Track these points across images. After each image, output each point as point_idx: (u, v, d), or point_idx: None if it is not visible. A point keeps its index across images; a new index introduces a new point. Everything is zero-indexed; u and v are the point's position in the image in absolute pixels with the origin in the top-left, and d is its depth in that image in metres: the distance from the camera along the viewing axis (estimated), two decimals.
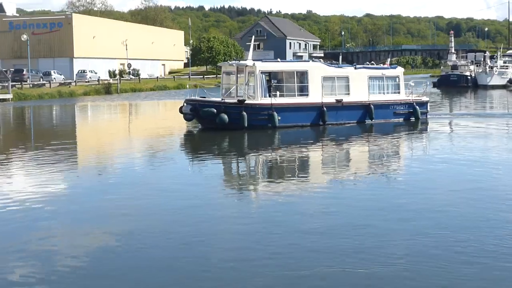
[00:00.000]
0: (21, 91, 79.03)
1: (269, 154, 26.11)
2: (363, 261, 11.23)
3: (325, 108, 35.38)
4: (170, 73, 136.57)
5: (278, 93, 34.44)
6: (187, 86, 40.26)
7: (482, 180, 18.93)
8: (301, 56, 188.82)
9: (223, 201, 16.93)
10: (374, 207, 15.33)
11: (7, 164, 24.45)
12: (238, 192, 18.08)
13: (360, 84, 37.39)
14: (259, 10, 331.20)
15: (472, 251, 11.74)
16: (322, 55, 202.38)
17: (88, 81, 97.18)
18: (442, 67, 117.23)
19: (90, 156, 27.32)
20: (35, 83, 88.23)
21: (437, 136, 31.36)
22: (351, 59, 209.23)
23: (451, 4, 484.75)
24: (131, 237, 13.15)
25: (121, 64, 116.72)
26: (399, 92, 39.21)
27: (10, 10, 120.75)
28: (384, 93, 38.47)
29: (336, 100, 36.07)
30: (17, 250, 12.33)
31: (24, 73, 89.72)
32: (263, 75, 34.73)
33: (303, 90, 35.65)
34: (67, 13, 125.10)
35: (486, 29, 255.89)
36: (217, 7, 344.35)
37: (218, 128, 33.13)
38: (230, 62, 38.39)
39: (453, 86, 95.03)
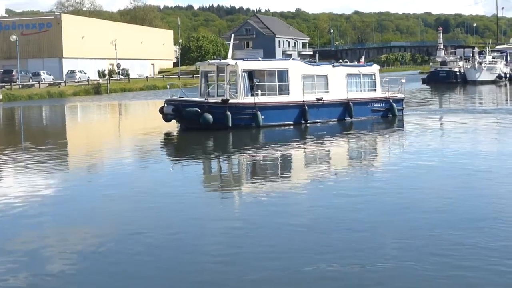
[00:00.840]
0: (11, 92, 78.88)
1: (260, 154, 25.95)
2: (353, 258, 11.32)
3: (306, 107, 35.31)
4: (159, 72, 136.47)
5: (259, 92, 34.29)
6: (167, 86, 39.60)
7: (463, 173, 19.11)
8: (291, 55, 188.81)
9: (211, 201, 17.04)
10: (357, 203, 15.50)
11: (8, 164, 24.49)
12: (230, 192, 18.14)
13: (339, 82, 37.41)
14: (248, 9, 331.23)
15: (458, 247, 11.88)
16: (311, 53, 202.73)
17: (78, 82, 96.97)
18: (431, 64, 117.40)
19: (79, 156, 27.23)
20: (25, 83, 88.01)
21: (416, 133, 31.40)
22: (340, 57, 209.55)
23: (439, 0, 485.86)
24: (122, 238, 13.22)
25: (110, 64, 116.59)
26: (375, 90, 39.43)
27: None
28: (361, 91, 38.60)
29: (316, 98, 35.97)
30: (5, 251, 12.39)
31: (13, 73, 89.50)
32: (245, 74, 34.38)
33: (284, 89, 35.40)
34: (56, 13, 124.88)
35: (475, 24, 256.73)
36: (206, 6, 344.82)
37: (201, 128, 32.57)
38: (210, 61, 37.91)
39: (442, 82, 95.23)
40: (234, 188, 18.62)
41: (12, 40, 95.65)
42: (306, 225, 13.46)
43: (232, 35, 43.41)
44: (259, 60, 38.07)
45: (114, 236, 13.19)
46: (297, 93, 35.48)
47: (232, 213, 15.17)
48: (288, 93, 35.37)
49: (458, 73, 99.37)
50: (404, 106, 40.63)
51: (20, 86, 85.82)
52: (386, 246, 11.79)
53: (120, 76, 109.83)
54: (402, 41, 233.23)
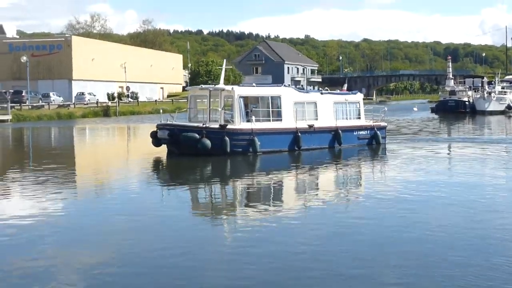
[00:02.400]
0: (20, 113, 79.26)
1: (263, 181, 25.90)
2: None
3: (299, 133, 35.13)
4: (168, 96, 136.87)
5: (253, 118, 33.92)
6: (161, 111, 38.98)
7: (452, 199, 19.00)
8: (299, 81, 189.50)
9: (213, 226, 17.06)
10: (352, 231, 15.42)
11: (4, 185, 24.47)
12: (229, 218, 18.02)
13: (327, 109, 37.45)
14: (257, 35, 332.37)
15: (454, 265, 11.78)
16: (320, 80, 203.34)
17: (87, 104, 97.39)
18: (440, 93, 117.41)
19: (85, 179, 27.19)
20: (34, 104, 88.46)
21: (402, 161, 31.29)
22: (349, 84, 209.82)
23: (448, 29, 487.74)
24: (125, 258, 13.20)
25: (119, 86, 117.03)
26: (360, 118, 39.57)
27: (10, 32, 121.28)
28: (347, 119, 38.67)
29: (308, 125, 35.83)
30: (13, 270, 12.38)
31: (23, 94, 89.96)
32: (241, 100, 34.01)
33: (277, 115, 35.24)
34: (66, 35, 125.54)
35: (484, 54, 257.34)
36: (215, 31, 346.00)
37: (198, 153, 31.82)
38: (203, 86, 37.49)
39: (451, 111, 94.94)
40: (233, 214, 18.43)
41: (22, 61, 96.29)
42: (296, 253, 13.40)
43: (225, 60, 43.38)
44: (254, 86, 37.93)
45: (113, 259, 13.12)
46: (289, 120, 35.29)
47: (227, 239, 15.00)
48: (281, 120, 35.18)
49: (467, 103, 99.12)
50: (386, 134, 40.79)
51: (30, 107, 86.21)
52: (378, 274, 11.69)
53: (129, 99, 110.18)
54: (411, 70, 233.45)
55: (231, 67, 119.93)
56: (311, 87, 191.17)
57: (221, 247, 14.08)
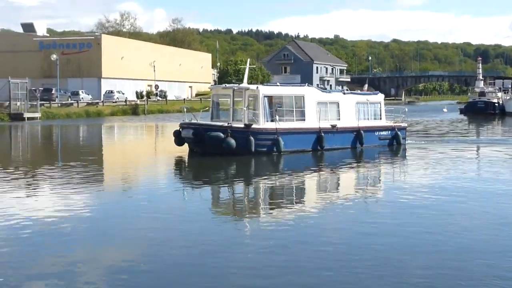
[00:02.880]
0: (50, 110, 79.90)
1: (290, 181, 26.02)
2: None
3: (322, 133, 35.15)
4: (197, 95, 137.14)
5: (277, 117, 33.85)
6: (184, 109, 38.54)
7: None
8: (328, 81, 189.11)
9: (235, 225, 17.11)
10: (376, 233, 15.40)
11: (33, 181, 24.73)
12: (254, 218, 18.04)
13: (349, 110, 37.54)
14: (286, 34, 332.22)
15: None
16: (349, 79, 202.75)
17: (116, 102, 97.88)
18: (469, 94, 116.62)
19: (112, 176, 27.53)
20: (63, 102, 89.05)
21: (425, 162, 31.28)
22: (378, 84, 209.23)
23: (478, 30, 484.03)
24: (149, 257, 13.30)
25: (148, 85, 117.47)
26: (381, 118, 39.75)
27: (41, 30, 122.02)
28: (369, 119, 38.78)
29: (331, 125, 35.89)
30: (38, 266, 12.50)
31: (52, 92, 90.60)
32: (266, 99, 33.99)
33: (300, 115, 35.27)
34: (96, 34, 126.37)
35: None
36: (244, 31, 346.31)
37: (222, 153, 31.74)
38: (227, 85, 37.33)
39: (480, 113, 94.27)
40: (259, 214, 18.42)
41: (52, 59, 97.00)
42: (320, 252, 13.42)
43: (248, 60, 43.45)
44: (278, 86, 37.90)
45: (136, 257, 13.24)
46: (312, 120, 35.35)
47: (256, 238, 15.01)
48: (304, 119, 35.21)
49: (496, 104, 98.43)
50: (406, 135, 40.95)
51: (59, 104, 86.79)
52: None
53: (158, 98, 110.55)
54: (440, 71, 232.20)
55: (254, 66, 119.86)
56: (340, 87, 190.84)
57: (243, 247, 14.09)
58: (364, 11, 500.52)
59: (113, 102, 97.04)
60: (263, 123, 33.34)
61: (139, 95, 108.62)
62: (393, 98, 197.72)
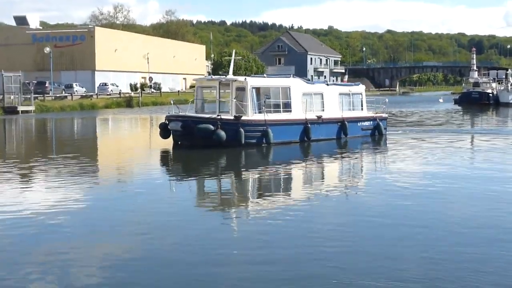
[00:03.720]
0: (43, 103, 79.66)
1: (285, 173, 25.99)
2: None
3: (309, 124, 35.15)
4: (191, 87, 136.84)
5: (264, 109, 33.71)
6: (172, 102, 38.44)
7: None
8: (322, 72, 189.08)
9: (221, 218, 17.03)
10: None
11: (25, 175, 24.67)
12: (250, 211, 18.02)
13: (333, 101, 37.72)
14: (280, 25, 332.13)
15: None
16: (343, 70, 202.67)
17: (110, 94, 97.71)
18: (463, 84, 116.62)
19: (107, 169, 27.48)
20: (57, 95, 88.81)
21: (407, 152, 31.51)
22: (372, 75, 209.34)
23: (472, 21, 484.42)
24: (144, 250, 13.25)
25: (142, 77, 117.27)
26: (362, 109, 40.14)
27: (34, 23, 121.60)
28: (351, 110, 39.00)
29: (317, 116, 35.93)
30: (32, 260, 12.47)
31: (46, 85, 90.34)
32: (254, 91, 33.78)
33: (287, 106, 35.19)
34: (89, 26, 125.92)
35: (509, 46, 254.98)
36: (238, 22, 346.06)
37: (210, 146, 31.35)
38: (214, 77, 36.98)
39: (475, 103, 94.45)
40: (255, 206, 18.32)
41: (45, 52, 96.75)
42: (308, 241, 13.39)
43: (234, 51, 43.31)
44: (265, 77, 37.85)
45: (125, 251, 13.17)
46: (298, 111, 35.33)
47: (241, 231, 14.94)
48: (290, 111, 35.15)
49: (490, 95, 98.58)
50: (387, 125, 41.53)
51: (53, 97, 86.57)
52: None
53: (152, 90, 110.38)
54: (435, 61, 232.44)
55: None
56: (334, 78, 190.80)
57: (234, 239, 14.12)
58: (358, 1, 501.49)
59: (107, 95, 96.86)
60: (251, 115, 33.14)
61: (133, 88, 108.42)
62: (388, 89, 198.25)
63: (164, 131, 33.74)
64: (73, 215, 16.65)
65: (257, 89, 34.35)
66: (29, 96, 75.73)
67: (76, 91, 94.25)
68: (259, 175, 24.70)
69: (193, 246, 13.45)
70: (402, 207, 17.40)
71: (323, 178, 24.58)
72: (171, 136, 33.60)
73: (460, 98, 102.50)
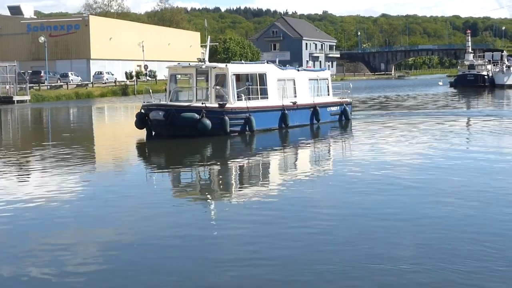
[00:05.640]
0: (39, 93, 79.56)
1: (285, 156, 26.03)
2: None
3: (286, 111, 34.82)
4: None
5: (243, 96, 33.03)
6: (150, 91, 37.03)
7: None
8: (317, 57, 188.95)
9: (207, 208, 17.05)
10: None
11: (21, 164, 24.70)
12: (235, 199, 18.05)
13: (304, 87, 37.54)
14: (275, 11, 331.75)
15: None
16: (339, 55, 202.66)
17: (105, 83, 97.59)
18: (459, 67, 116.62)
19: (104, 157, 27.34)
20: (53, 84, 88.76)
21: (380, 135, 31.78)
22: (367, 60, 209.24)
23: (467, 3, 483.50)
24: (141, 238, 13.26)
25: (137, 65, 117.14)
26: (328, 94, 40.16)
27: (28, 13, 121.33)
28: (319, 95, 38.91)
29: (292, 102, 35.62)
30: (29, 249, 12.51)
31: (41, 74, 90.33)
32: (234, 77, 32.85)
33: (264, 93, 34.55)
34: (84, 15, 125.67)
35: (503, 28, 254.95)
36: (233, 8, 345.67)
37: (197, 135, 30.03)
38: (190, 64, 35.58)
39: (470, 85, 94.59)
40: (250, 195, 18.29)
41: (40, 41, 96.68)
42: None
43: (209, 37, 42.71)
44: (243, 64, 37.42)
45: (132, 236, 13.22)
46: (274, 97, 34.90)
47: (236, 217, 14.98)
48: (267, 97, 34.58)
49: (486, 77, 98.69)
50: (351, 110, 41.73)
51: (48, 87, 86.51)
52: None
53: (147, 78, 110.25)
54: (430, 44, 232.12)
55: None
56: (330, 63, 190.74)
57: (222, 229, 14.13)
58: None
59: (103, 83, 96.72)
60: (233, 102, 32.25)
61: (129, 76, 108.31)
62: (383, 73, 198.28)
63: (142, 121, 32.19)
64: (66, 204, 16.60)
65: (237, 76, 33.64)
66: (24, 86, 75.63)
67: (72, 80, 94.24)
68: (264, 160, 24.80)
69: (181, 241, 13.40)
70: (397, 200, 17.46)
71: (320, 166, 24.56)
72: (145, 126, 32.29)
73: (456, 81, 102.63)
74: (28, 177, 21.48)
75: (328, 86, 40.09)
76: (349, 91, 42.73)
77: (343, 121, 39.35)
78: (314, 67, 44.31)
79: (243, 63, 38.05)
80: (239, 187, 19.26)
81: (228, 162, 24.97)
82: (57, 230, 13.99)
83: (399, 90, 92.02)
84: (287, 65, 40.12)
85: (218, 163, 24.48)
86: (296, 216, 14.54)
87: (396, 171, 20.34)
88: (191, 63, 35.48)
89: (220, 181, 20.79)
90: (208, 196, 18.02)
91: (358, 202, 15.88)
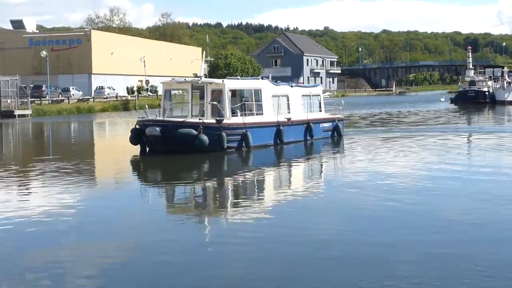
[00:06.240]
0: (40, 107, 79.69)
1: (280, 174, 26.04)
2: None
3: (281, 127, 34.62)
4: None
5: (238, 112, 32.73)
6: (146, 107, 36.13)
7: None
8: (318, 73, 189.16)
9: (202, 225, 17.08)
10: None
11: (20, 179, 24.78)
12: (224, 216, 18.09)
13: (298, 103, 37.43)
14: (276, 27, 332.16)
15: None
16: (340, 71, 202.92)
17: (106, 98, 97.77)
18: (459, 83, 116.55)
19: (103, 173, 27.37)
20: (54, 99, 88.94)
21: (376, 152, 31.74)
22: (368, 75, 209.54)
23: (467, 19, 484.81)
24: (136, 255, 13.32)
25: (139, 80, 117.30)
26: (320, 110, 40.02)
27: (30, 27, 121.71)
28: (312, 111, 38.84)
29: (286, 118, 35.46)
30: (27, 264, 12.58)
31: (43, 89, 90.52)
32: (230, 93, 32.57)
33: (259, 109, 34.43)
34: (86, 29, 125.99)
35: (504, 44, 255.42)
36: (234, 24, 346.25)
37: (190, 151, 29.56)
38: (186, 79, 34.61)
39: (471, 102, 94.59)
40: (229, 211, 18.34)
41: (42, 55, 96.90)
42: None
43: (203, 52, 42.30)
44: (239, 79, 37.27)
45: (132, 251, 13.28)
46: (269, 113, 34.72)
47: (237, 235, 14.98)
48: (262, 113, 34.40)
49: (487, 93, 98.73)
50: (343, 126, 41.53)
51: (50, 101, 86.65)
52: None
53: (149, 93, 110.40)
54: (431, 60, 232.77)
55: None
56: (331, 79, 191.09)
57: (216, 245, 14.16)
58: (352, 2, 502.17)
59: (104, 98, 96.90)
60: (229, 118, 31.91)
61: (130, 91, 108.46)
62: (384, 89, 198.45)
63: (137, 137, 31.70)
64: (66, 218, 16.68)
65: (233, 92, 33.39)
66: (25, 100, 75.76)
67: (73, 94, 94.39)
68: (260, 182, 24.80)
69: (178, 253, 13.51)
70: (393, 208, 17.52)
71: (317, 181, 24.60)
72: (139, 142, 31.83)
73: (456, 97, 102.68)
74: (22, 192, 21.54)
75: (320, 102, 40.02)
76: (340, 107, 42.51)
77: (335, 137, 39.27)
78: (309, 83, 43.66)
79: (238, 79, 37.74)
80: (236, 205, 19.09)
81: (229, 179, 24.79)
82: (51, 247, 13.93)
83: (400, 106, 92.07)
84: (278, 81, 39.59)
85: (219, 180, 24.50)
86: (292, 236, 14.50)
87: (391, 190, 20.27)
88: (186, 79, 34.95)
89: (221, 198, 20.74)
90: (205, 213, 17.91)
91: (353, 224, 15.87)
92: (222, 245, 13.72)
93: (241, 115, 32.67)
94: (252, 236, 14.27)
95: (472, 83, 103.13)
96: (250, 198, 20.28)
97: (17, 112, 72.08)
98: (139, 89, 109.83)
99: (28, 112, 73.95)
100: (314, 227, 15.21)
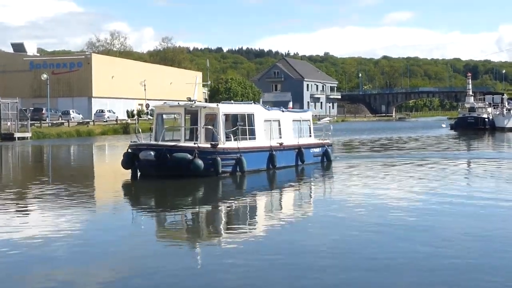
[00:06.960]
0: (40, 130, 79.79)
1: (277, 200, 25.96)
2: None
3: (274, 152, 34.35)
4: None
5: (232, 137, 32.36)
6: (139, 130, 35.62)
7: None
8: (318, 98, 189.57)
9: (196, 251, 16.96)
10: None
11: (20, 201, 24.62)
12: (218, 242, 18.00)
13: (288, 128, 37.26)
14: (276, 52, 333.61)
15: None
16: (339, 96, 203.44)
17: (106, 121, 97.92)
18: (459, 109, 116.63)
19: (101, 196, 27.21)
20: (54, 122, 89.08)
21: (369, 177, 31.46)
22: (368, 101, 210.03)
23: (467, 46, 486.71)
24: (129, 280, 13.16)
25: (139, 104, 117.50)
26: (310, 135, 39.80)
27: (31, 50, 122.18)
28: (303, 137, 38.53)
29: (278, 143, 35.25)
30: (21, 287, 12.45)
31: (43, 112, 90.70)
32: (224, 118, 32.34)
33: (251, 133, 34.05)
34: (86, 53, 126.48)
35: (504, 71, 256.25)
36: (235, 49, 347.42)
37: (184, 176, 29.08)
38: (180, 103, 34.53)
39: (470, 128, 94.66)
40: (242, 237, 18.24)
41: (43, 79, 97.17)
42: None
43: (197, 77, 42.30)
44: (233, 104, 37.11)
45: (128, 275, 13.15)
46: (262, 138, 34.52)
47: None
48: (255, 138, 34.11)
49: (486, 120, 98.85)
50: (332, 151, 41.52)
51: (50, 124, 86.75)
52: None
53: (149, 116, 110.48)
54: (431, 87, 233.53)
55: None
56: (330, 105, 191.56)
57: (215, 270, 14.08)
58: (351, 28, 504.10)
59: (104, 121, 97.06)
60: (223, 143, 31.63)
61: (130, 114, 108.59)
62: (384, 114, 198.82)
63: (129, 161, 31.21)
64: (63, 241, 16.52)
65: (227, 116, 33.08)
66: (26, 123, 75.89)
67: (73, 117, 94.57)
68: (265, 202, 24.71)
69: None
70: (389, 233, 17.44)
71: (314, 207, 24.50)
72: (130, 167, 31.42)
73: (456, 124, 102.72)
74: (15, 216, 21.41)
75: (310, 127, 39.84)
76: (329, 133, 42.46)
77: (325, 162, 39.11)
78: (309, 108, 43.40)
79: (232, 103, 37.64)
80: (231, 230, 18.92)
81: (226, 205, 24.45)
82: (45, 270, 13.75)
83: (401, 132, 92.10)
84: (267, 106, 39.39)
85: (216, 206, 24.31)
86: (287, 261, 14.33)
87: (382, 214, 20.15)
88: (180, 103, 34.81)
89: (218, 224, 20.56)
90: (198, 239, 17.66)
91: (346, 247, 15.77)
92: (215, 270, 13.56)
93: (235, 139, 32.41)
94: (245, 262, 14.11)
95: (472, 109, 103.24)
96: (244, 223, 20.16)
97: (17, 135, 72.21)
98: (139, 113, 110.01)
99: (28, 134, 74.04)
100: (307, 250, 15.13)
